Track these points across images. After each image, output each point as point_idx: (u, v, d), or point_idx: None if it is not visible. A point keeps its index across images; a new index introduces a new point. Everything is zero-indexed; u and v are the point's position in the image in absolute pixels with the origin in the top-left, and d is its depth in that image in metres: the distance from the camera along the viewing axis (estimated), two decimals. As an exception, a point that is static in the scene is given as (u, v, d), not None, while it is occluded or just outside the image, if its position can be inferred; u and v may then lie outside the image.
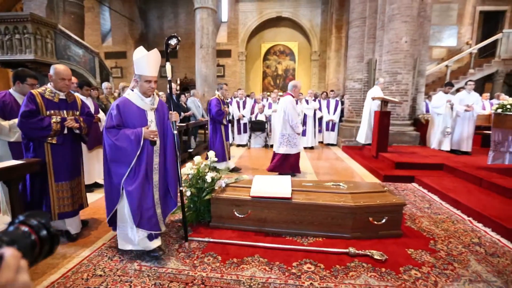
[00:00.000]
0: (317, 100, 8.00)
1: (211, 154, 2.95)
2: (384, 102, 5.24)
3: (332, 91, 8.44)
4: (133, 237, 2.23)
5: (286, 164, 4.46)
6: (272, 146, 7.60)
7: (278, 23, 14.27)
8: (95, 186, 4.01)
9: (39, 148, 2.41)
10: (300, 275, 2.06)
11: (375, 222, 2.53)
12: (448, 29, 11.26)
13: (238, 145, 7.89)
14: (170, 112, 2.40)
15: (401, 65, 6.24)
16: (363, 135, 6.14)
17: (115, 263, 2.21)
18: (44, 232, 0.52)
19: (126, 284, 1.95)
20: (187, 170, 2.85)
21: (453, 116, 5.72)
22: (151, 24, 14.86)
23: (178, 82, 13.34)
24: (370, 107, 5.90)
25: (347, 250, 2.32)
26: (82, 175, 2.73)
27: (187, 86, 13.47)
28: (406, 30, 6.23)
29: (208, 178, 2.75)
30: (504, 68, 9.34)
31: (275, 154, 4.54)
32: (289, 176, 2.97)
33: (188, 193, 2.80)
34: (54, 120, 2.38)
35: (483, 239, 2.57)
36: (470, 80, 5.60)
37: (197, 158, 2.90)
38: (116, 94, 6.74)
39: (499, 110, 3.72)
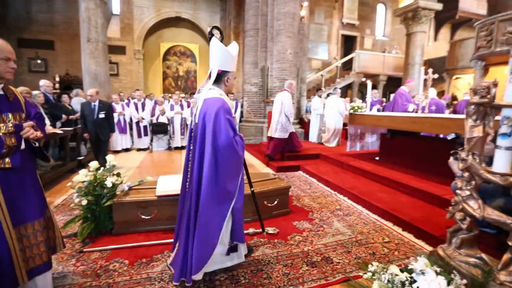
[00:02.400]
0: (219, 102, 8.40)
1: (110, 157, 2.81)
2: (276, 104, 6.09)
3: (232, 93, 9.04)
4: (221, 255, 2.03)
5: (282, 145, 5.52)
6: (176, 148, 7.55)
7: (178, 24, 14.02)
8: None
9: None
10: (209, 259, 2.30)
11: (269, 204, 3.05)
12: (322, 45, 13.88)
13: (139, 149, 7.42)
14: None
15: (287, 73, 7.37)
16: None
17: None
18: None
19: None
20: (81, 177, 2.62)
21: (326, 116, 7.22)
22: (12, 4, 11.84)
23: (57, 79, 11.19)
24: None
25: (248, 231, 2.72)
26: (48, 206, 1.86)
27: (70, 84, 11.46)
28: (290, 43, 7.41)
29: (108, 183, 2.63)
30: (358, 79, 12.32)
31: (271, 139, 5.60)
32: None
33: (84, 202, 2.59)
34: (3, 130, 1.50)
35: (343, 205, 3.49)
36: (335, 88, 7.20)
37: (94, 164, 2.71)
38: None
39: (351, 111, 5.03)
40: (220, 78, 1.89)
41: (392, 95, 7.44)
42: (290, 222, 3.00)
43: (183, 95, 11.48)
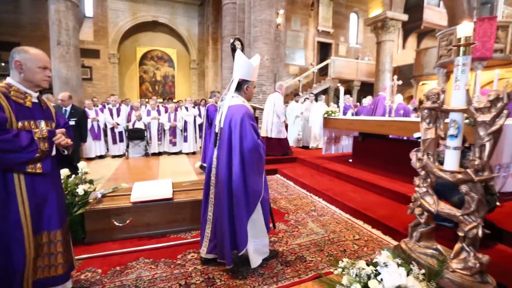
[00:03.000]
0: (196, 107, 8.39)
1: (82, 165, 2.75)
2: (253, 109, 6.20)
3: (210, 98, 9.10)
4: (265, 247, 2.27)
5: (279, 146, 5.87)
6: (153, 154, 7.41)
7: (155, 28, 13.84)
8: None
9: (2, 182, 1.46)
10: (185, 264, 2.31)
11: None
12: (298, 51, 14.27)
13: (114, 156, 7.19)
14: None
15: (265, 78, 7.53)
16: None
17: None
18: None
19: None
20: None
21: (303, 121, 7.45)
22: (-28, 4, 11.12)
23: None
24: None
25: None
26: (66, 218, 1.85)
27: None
28: (267, 50, 7.58)
29: (80, 190, 2.56)
30: (333, 84, 12.77)
31: (268, 139, 5.81)
32: (170, 180, 3.16)
33: (54, 211, 2.50)
34: (38, 135, 1.54)
35: (317, 206, 3.62)
36: (311, 93, 7.46)
37: (64, 171, 2.63)
38: None
39: (326, 115, 5.24)
40: (241, 86, 2.10)
41: (364, 100, 7.82)
42: (266, 224, 3.07)
43: (160, 100, 11.30)
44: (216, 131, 2.11)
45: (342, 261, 2.09)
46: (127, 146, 7.21)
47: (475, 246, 1.81)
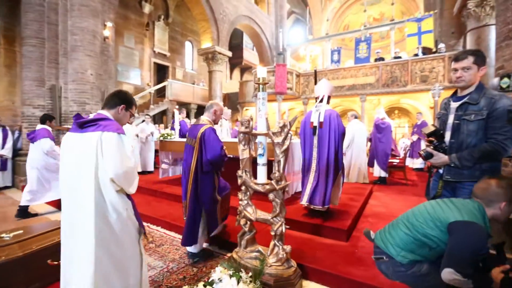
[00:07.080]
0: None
1: None
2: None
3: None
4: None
5: None
6: None
7: None
8: None
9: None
10: None
11: (56, 262, 2.37)
12: (133, 70, 13.37)
13: None
14: None
15: (88, 96, 6.41)
16: None
17: None
18: None
19: None
20: None
21: (140, 144, 6.90)
22: None
23: None
24: None
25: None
26: None
27: None
28: (91, 63, 6.53)
29: None
30: (171, 106, 12.83)
31: None
32: None
33: None
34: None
35: (155, 236, 3.36)
36: (147, 115, 7.08)
37: None
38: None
39: (161, 138, 5.11)
40: (329, 99, 3.39)
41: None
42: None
43: None
44: (315, 124, 3.26)
45: (181, 290, 2.01)
46: None
47: (282, 240, 2.28)
